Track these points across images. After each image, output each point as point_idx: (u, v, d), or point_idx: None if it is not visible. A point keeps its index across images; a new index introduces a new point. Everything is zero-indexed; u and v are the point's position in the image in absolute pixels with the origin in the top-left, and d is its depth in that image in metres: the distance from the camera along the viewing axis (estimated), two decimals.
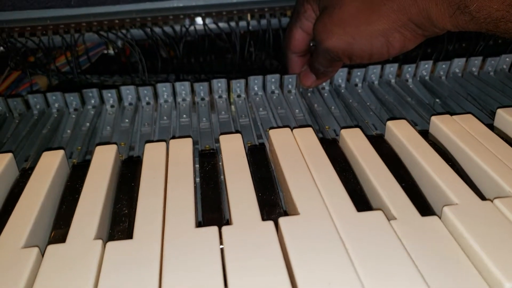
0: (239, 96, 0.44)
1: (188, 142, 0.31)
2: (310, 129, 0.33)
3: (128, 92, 0.43)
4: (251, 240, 0.22)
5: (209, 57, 0.58)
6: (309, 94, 0.45)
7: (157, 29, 0.56)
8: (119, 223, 0.26)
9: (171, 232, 0.23)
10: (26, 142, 0.37)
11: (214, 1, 0.57)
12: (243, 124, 0.40)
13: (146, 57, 0.52)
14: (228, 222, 0.25)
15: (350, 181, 0.28)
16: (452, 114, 0.33)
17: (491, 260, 0.20)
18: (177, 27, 0.56)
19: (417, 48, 0.39)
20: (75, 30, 0.55)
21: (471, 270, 0.21)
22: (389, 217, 0.23)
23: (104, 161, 0.30)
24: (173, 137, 0.33)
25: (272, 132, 0.32)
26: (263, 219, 0.23)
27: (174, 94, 0.44)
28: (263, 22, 0.57)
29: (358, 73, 0.46)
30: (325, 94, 0.45)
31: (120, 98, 0.44)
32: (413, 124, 0.34)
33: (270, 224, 0.23)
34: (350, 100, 0.43)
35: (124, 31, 0.55)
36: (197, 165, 0.32)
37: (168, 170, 0.28)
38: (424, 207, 0.26)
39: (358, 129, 0.32)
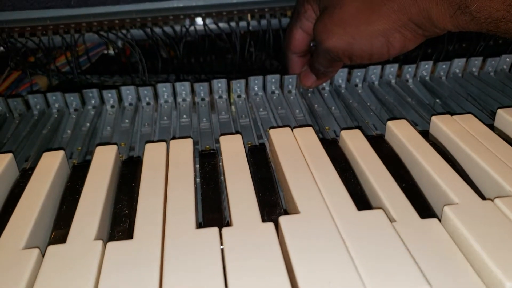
0: (239, 96, 0.44)
1: (189, 142, 0.31)
2: (310, 128, 0.33)
3: (128, 92, 0.43)
4: (251, 241, 0.22)
5: (209, 57, 0.58)
6: (309, 94, 0.45)
7: (157, 29, 0.56)
8: (120, 223, 0.26)
9: (171, 232, 0.23)
10: (26, 143, 0.37)
11: (214, 1, 0.57)
12: (243, 124, 0.40)
13: (146, 57, 0.52)
14: (228, 223, 0.25)
15: (351, 181, 0.28)
16: (452, 114, 0.33)
17: (492, 260, 0.20)
18: (177, 27, 0.56)
19: (417, 49, 0.39)
20: (75, 30, 0.55)
21: (471, 271, 0.20)
22: (389, 220, 0.23)
23: (104, 162, 0.30)
24: (173, 138, 0.33)
25: (272, 132, 0.32)
26: (264, 219, 0.23)
27: (174, 94, 0.44)
28: (263, 22, 0.57)
29: (358, 74, 0.46)
30: (325, 95, 0.45)
31: (120, 99, 0.44)
32: (414, 124, 0.34)
33: (270, 225, 0.23)
34: (350, 101, 0.43)
35: (124, 31, 0.55)
36: (198, 166, 0.32)
37: (169, 170, 0.28)
38: (424, 208, 0.26)
39: (358, 131, 0.32)
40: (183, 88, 0.43)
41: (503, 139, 0.30)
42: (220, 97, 0.44)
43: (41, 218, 0.25)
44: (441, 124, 0.32)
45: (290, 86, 0.45)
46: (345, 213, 0.23)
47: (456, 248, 0.22)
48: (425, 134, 0.33)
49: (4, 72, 0.51)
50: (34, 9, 0.54)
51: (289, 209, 0.27)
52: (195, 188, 0.28)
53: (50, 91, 0.44)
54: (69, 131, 0.40)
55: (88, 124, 0.41)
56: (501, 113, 0.33)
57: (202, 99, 0.44)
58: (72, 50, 0.53)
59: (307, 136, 0.32)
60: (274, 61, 0.58)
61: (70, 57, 0.53)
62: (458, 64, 0.47)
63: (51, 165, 0.30)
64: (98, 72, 0.54)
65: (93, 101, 0.44)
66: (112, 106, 0.44)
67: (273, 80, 0.45)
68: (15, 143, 0.36)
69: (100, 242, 0.22)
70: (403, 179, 0.28)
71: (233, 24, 0.57)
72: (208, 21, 0.57)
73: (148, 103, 0.44)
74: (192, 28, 0.57)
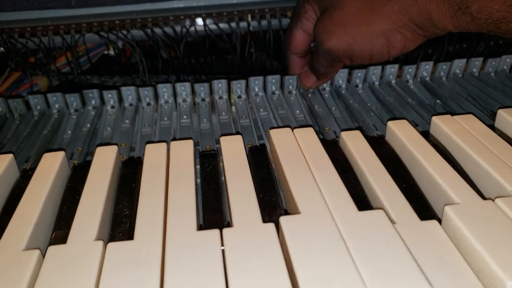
0: (239, 97, 0.44)
1: (189, 144, 0.31)
2: (310, 128, 0.33)
3: (129, 92, 0.43)
4: (252, 242, 0.22)
5: (209, 58, 0.58)
6: (309, 95, 0.45)
7: (157, 30, 0.56)
8: (120, 224, 0.26)
9: (172, 234, 0.23)
10: (26, 143, 0.37)
11: (214, 1, 0.57)
12: (244, 125, 0.40)
13: (147, 57, 0.53)
14: (229, 224, 0.25)
15: (351, 183, 0.28)
16: (453, 114, 0.33)
17: (493, 259, 0.20)
18: (178, 28, 0.56)
19: (418, 49, 0.39)
20: (75, 30, 0.55)
21: (471, 272, 0.20)
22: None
23: (104, 162, 0.30)
24: (174, 138, 0.33)
25: (272, 132, 0.32)
26: (264, 220, 0.23)
27: (175, 95, 0.44)
28: (264, 23, 0.57)
29: (359, 74, 0.46)
30: (326, 95, 0.45)
31: (120, 99, 0.44)
32: (414, 125, 0.34)
33: (270, 226, 0.23)
34: (351, 101, 0.43)
35: (124, 31, 0.55)
36: (198, 166, 0.32)
37: (169, 171, 0.28)
38: (425, 208, 0.26)
39: (358, 132, 0.32)
40: (183, 88, 0.43)
41: (504, 139, 0.30)
42: (221, 97, 0.44)
43: (41, 219, 0.25)
44: (441, 124, 0.32)
45: (290, 87, 0.45)
46: (345, 213, 0.23)
47: (456, 250, 0.22)
48: (426, 134, 0.33)
49: (5, 73, 0.51)
50: (35, 10, 0.54)
51: (290, 210, 0.27)
52: (196, 189, 0.28)
53: (50, 91, 0.44)
54: (69, 132, 0.40)
55: (88, 125, 0.41)
56: (502, 114, 0.33)
57: (203, 100, 0.44)
58: (72, 51, 0.53)
59: (308, 137, 0.32)
60: (275, 62, 0.58)
61: (70, 58, 0.53)
62: (458, 64, 0.47)
63: (51, 166, 0.30)
64: (98, 72, 0.55)
65: (93, 102, 0.44)
66: (113, 107, 0.44)
67: (274, 80, 0.45)
68: (15, 144, 0.37)
69: (100, 243, 0.22)
70: (403, 179, 0.28)
71: (233, 24, 0.57)
72: (208, 21, 0.57)
73: (148, 104, 0.44)
74: (192, 28, 0.57)
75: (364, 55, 0.37)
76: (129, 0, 0.55)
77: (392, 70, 0.46)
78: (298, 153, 0.30)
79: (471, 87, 0.44)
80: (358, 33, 0.36)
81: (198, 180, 0.30)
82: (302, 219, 0.23)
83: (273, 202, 0.27)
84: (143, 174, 0.28)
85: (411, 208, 0.24)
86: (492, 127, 0.33)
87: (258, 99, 0.44)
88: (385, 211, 0.24)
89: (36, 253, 0.22)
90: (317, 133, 0.33)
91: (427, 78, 0.47)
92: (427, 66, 0.46)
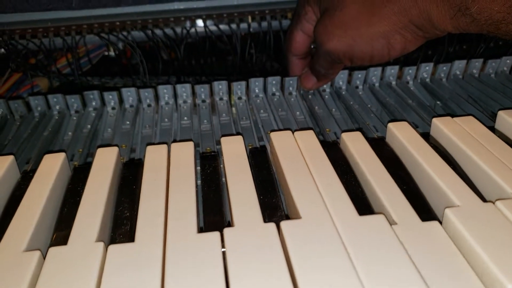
0: (240, 98, 0.44)
1: (190, 145, 0.31)
2: (311, 131, 0.33)
3: (129, 94, 0.43)
4: (252, 242, 0.22)
5: (210, 59, 0.58)
6: (310, 96, 0.45)
7: (158, 31, 0.56)
8: (121, 226, 0.26)
9: (173, 236, 0.23)
10: (27, 145, 0.37)
11: (215, 3, 0.57)
12: (244, 126, 0.40)
13: (147, 59, 0.53)
14: (229, 225, 0.25)
15: (352, 184, 0.28)
16: (453, 116, 0.33)
17: (493, 262, 0.20)
18: (178, 29, 0.56)
19: (418, 50, 0.40)
20: (76, 32, 0.55)
21: (472, 274, 0.20)
22: (390, 222, 0.23)
23: (105, 164, 0.30)
24: (174, 140, 0.33)
25: (273, 135, 0.32)
26: (265, 222, 0.23)
27: (175, 96, 0.44)
28: (264, 24, 0.57)
29: (359, 75, 0.46)
30: (326, 96, 0.45)
31: (121, 100, 0.44)
32: (414, 126, 0.34)
33: (271, 226, 0.23)
34: (351, 102, 0.43)
35: (125, 33, 0.55)
36: (199, 168, 0.32)
37: (170, 173, 0.28)
38: (425, 210, 0.26)
39: (358, 133, 0.32)
40: (183, 90, 0.43)
41: (504, 141, 0.30)
42: (221, 99, 0.44)
43: (42, 220, 0.25)
44: (442, 126, 0.32)
45: (290, 88, 0.45)
46: (346, 218, 0.23)
47: (457, 251, 0.22)
48: (426, 136, 0.33)
49: (5, 74, 0.52)
50: (35, 11, 0.54)
51: (290, 214, 0.27)
52: (196, 191, 0.28)
53: (51, 93, 0.44)
54: (70, 133, 0.40)
55: (89, 126, 0.41)
56: (502, 115, 0.33)
57: (203, 101, 0.44)
58: (73, 52, 0.53)
59: (308, 139, 0.32)
60: (275, 63, 0.58)
61: (71, 59, 0.53)
62: (458, 66, 0.47)
63: (52, 167, 0.30)
64: (99, 73, 0.55)
65: (94, 103, 0.44)
66: (113, 108, 0.44)
67: (274, 82, 0.45)
68: (16, 145, 0.37)
69: (101, 244, 0.22)
70: (404, 181, 0.28)
71: (233, 26, 0.57)
72: (208, 22, 0.57)
73: (149, 105, 0.44)
74: (192, 30, 0.57)
75: (364, 56, 0.37)
76: (129, 1, 0.55)
77: (392, 71, 0.46)
78: (298, 156, 0.30)
79: (471, 88, 0.44)
80: (358, 34, 0.36)
81: (199, 182, 0.30)
82: (303, 224, 0.23)
83: (274, 204, 0.27)
84: (143, 175, 0.28)
85: (412, 209, 0.24)
86: (492, 129, 0.33)
87: (258, 100, 0.44)
88: (386, 212, 0.24)
89: (37, 254, 0.22)
90: (318, 134, 0.33)
91: (427, 79, 0.47)
92: (427, 67, 0.46)
